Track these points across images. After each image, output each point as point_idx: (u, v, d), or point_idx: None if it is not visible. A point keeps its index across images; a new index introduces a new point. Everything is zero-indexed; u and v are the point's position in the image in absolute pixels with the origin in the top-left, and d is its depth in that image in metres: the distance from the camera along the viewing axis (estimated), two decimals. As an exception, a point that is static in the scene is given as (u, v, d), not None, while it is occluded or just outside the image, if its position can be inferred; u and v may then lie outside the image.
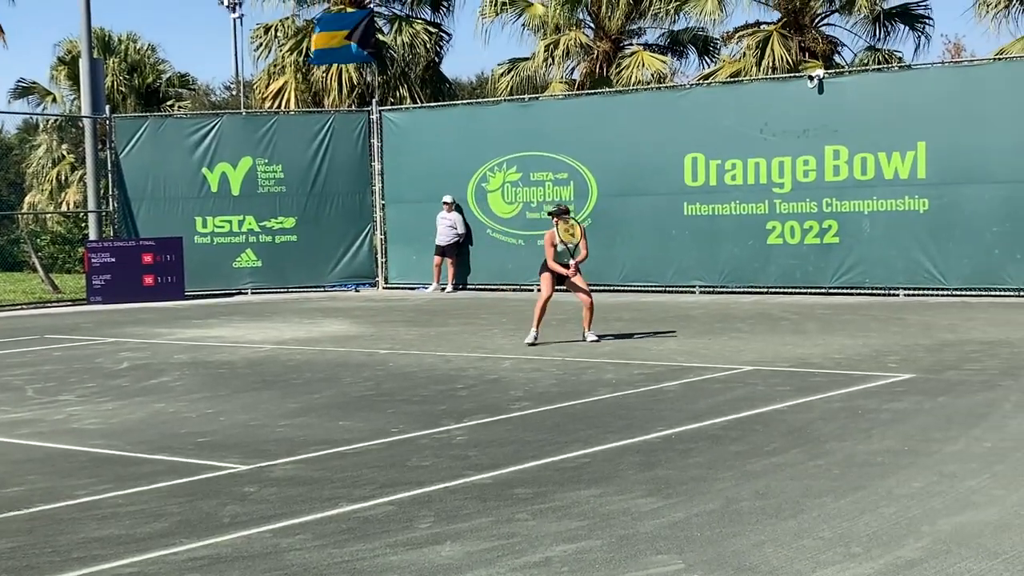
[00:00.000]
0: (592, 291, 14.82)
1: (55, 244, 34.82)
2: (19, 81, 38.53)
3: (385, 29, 31.06)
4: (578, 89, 28.81)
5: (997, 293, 18.60)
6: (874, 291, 19.58)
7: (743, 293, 20.55)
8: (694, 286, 21.11)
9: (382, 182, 24.21)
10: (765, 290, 20.46)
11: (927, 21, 28.30)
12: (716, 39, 30.35)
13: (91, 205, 24.34)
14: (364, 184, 24.39)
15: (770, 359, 12.32)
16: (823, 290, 19.96)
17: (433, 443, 8.45)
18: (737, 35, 29.15)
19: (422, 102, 29.79)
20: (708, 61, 30.61)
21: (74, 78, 33.24)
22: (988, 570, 5.31)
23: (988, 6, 25.84)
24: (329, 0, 31.38)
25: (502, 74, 30.88)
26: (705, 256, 21.02)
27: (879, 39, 28.17)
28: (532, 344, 13.98)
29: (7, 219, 37.32)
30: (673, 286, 21.32)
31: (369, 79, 30.45)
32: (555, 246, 14.40)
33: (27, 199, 38.09)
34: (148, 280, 22.58)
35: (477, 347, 14.16)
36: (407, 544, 5.91)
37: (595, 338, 14.27)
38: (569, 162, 22.31)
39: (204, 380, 12.04)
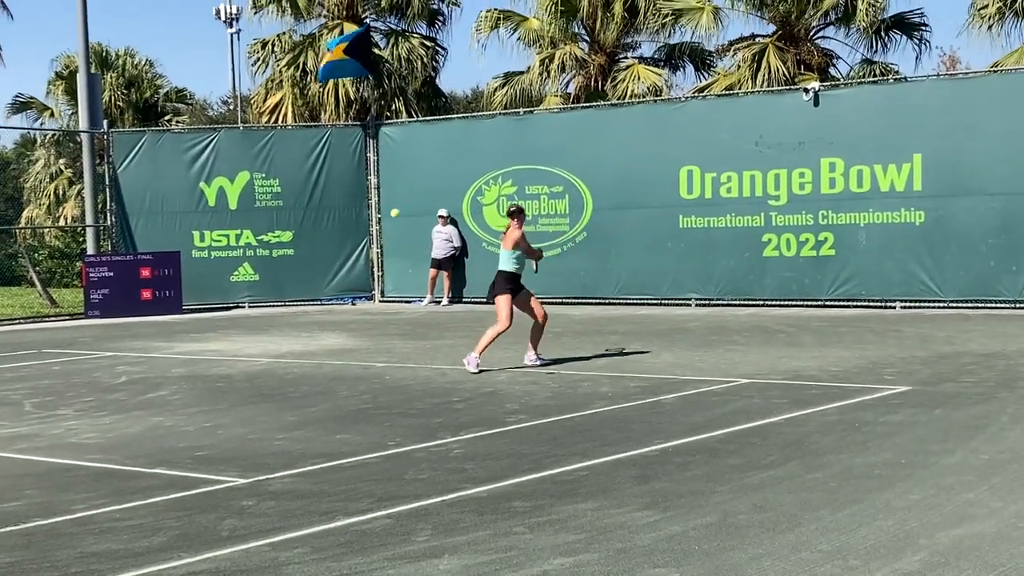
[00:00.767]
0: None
1: (53, 258, 34.83)
2: (17, 96, 38.53)
3: (381, 44, 31.10)
4: (573, 102, 28.86)
5: (993, 305, 18.63)
6: (870, 303, 19.61)
7: (739, 306, 20.58)
8: (690, 299, 21.13)
9: (378, 196, 24.25)
10: (761, 303, 20.49)
11: (924, 29, 28.32)
12: (711, 52, 30.40)
13: (89, 219, 24.36)
14: (360, 198, 24.44)
15: (766, 372, 12.33)
16: (819, 302, 19.99)
17: (430, 456, 8.45)
18: (732, 48, 29.19)
19: (418, 116, 29.83)
20: (703, 74, 30.66)
21: (72, 93, 33.25)
22: (985, 582, 5.33)
23: (983, 19, 25.89)
24: (326, 15, 31.42)
25: (497, 88, 30.92)
26: (701, 269, 21.05)
27: (875, 51, 28.22)
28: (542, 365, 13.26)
29: (5, 233, 37.35)
30: (669, 299, 21.34)
31: (365, 94, 30.49)
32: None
33: (25, 213, 38.09)
34: (146, 294, 22.59)
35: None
36: (405, 557, 5.91)
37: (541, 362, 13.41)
38: (564, 175, 22.35)
39: (202, 394, 12.04)
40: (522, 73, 30.66)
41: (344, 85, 29.91)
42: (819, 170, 19.97)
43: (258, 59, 31.99)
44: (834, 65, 29.10)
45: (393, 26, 31.71)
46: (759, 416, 9.65)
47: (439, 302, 23.32)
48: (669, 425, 9.40)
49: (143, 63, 39.04)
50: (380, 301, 24.34)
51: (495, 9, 30.52)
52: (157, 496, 7.43)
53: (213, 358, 15.29)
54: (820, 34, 28.83)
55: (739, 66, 28.09)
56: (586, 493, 7.16)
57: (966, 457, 7.90)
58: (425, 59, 31.06)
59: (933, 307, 19.04)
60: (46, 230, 36.68)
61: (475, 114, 27.40)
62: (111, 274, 22.49)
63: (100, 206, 24.42)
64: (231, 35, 50.79)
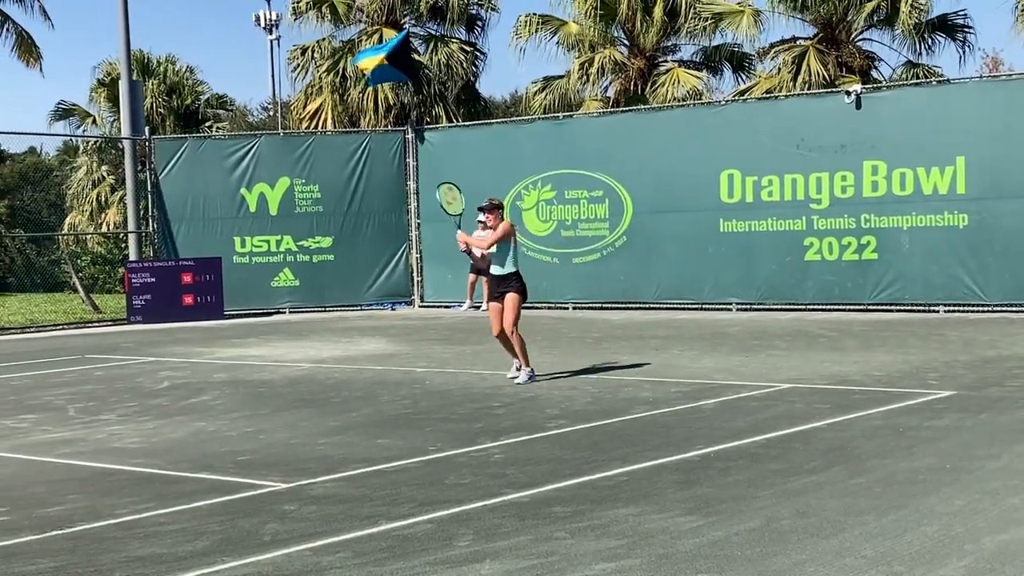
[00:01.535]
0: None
1: (95, 264, 35.11)
2: (59, 103, 38.92)
3: (421, 49, 31.19)
4: (613, 106, 28.82)
5: (1038, 309, 18.43)
6: (913, 307, 19.45)
7: (780, 310, 20.46)
8: (731, 303, 21.04)
9: (417, 201, 24.30)
10: (803, 307, 20.36)
11: (967, 31, 28.07)
12: (751, 55, 30.27)
13: (131, 226, 24.56)
14: (400, 203, 24.52)
15: (809, 376, 12.25)
16: (862, 306, 19.84)
17: (471, 461, 8.45)
18: (773, 51, 29.07)
19: (457, 121, 29.88)
20: (743, 77, 30.54)
21: (114, 100, 33.58)
22: (1033, 589, 5.26)
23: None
24: (366, 21, 31.55)
25: (536, 92, 30.94)
26: (742, 273, 20.95)
27: (918, 53, 28.00)
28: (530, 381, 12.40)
29: (48, 240, 37.72)
30: (709, 303, 21.26)
31: (405, 99, 30.58)
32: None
33: (67, 220, 38.40)
34: (187, 300, 22.75)
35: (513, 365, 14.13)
36: (446, 562, 5.91)
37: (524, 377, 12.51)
38: (604, 180, 22.31)
39: (244, 399, 12.10)
40: (561, 77, 30.66)
41: (384, 91, 30.03)
42: (861, 173, 19.82)
43: (298, 65, 32.18)
44: (876, 67, 28.93)
45: (432, 31, 31.81)
46: (801, 421, 9.58)
47: (479, 307, 23.32)
48: (710, 430, 9.36)
49: (184, 70, 39.32)
50: (420, 306, 24.39)
51: (534, 13, 30.57)
52: (200, 500, 7.47)
53: (255, 363, 15.37)
54: (862, 36, 28.65)
55: (780, 69, 27.97)
56: (627, 498, 7.13)
57: (1012, 461, 7.81)
58: (464, 64, 31.13)
59: (977, 311, 18.85)
60: (89, 236, 37.00)
61: (514, 119, 27.42)
62: (153, 280, 22.66)
63: (142, 212, 24.62)
64: (271, 41, 51.05)
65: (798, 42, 28.48)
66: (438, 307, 24.12)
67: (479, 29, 32.24)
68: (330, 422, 10.44)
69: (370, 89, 29.59)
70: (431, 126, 26.82)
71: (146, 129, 24.99)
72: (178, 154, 24.07)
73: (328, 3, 30.98)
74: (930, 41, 27.84)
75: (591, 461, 8.29)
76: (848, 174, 19.94)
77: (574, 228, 22.60)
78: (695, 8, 28.52)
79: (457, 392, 11.99)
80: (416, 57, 29.44)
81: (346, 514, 6.98)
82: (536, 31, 30.41)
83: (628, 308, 21.89)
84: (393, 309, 24.12)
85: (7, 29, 41.01)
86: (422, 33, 31.83)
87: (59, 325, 23.25)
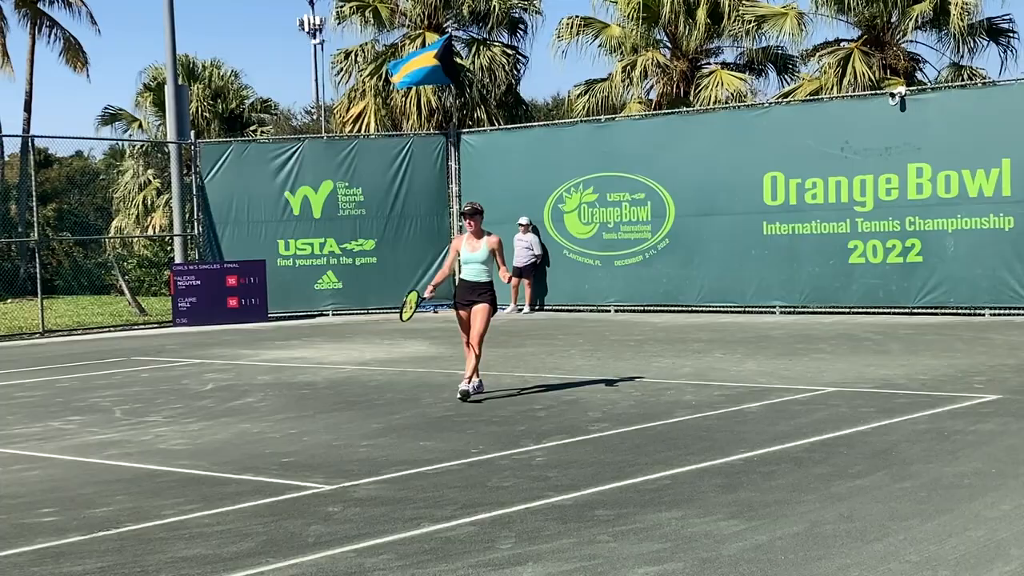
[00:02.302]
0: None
1: (141, 267, 35.41)
2: (106, 108, 39.30)
3: (463, 53, 31.25)
4: (655, 109, 28.76)
5: (1086, 312, 18.22)
6: (959, 311, 19.28)
7: (824, 313, 20.35)
8: (774, 306, 20.94)
9: (460, 204, 24.36)
10: (847, 310, 20.24)
11: (1012, 35, 27.86)
12: (795, 57, 30.11)
13: (176, 229, 24.76)
14: (442, 206, 24.59)
15: (853, 380, 12.18)
16: (906, 310, 19.70)
17: (513, 464, 8.47)
18: (817, 53, 28.91)
19: (499, 124, 29.92)
20: (787, 79, 30.38)
21: (160, 104, 33.85)
22: (1080, 595, 5.21)
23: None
24: (408, 25, 31.66)
25: (579, 95, 30.91)
26: (785, 276, 20.85)
27: (962, 55, 27.77)
28: (464, 399, 11.49)
29: (95, 243, 38.10)
30: (753, 306, 21.17)
31: (447, 103, 30.66)
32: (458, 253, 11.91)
33: (114, 223, 38.78)
34: (232, 302, 22.91)
35: (555, 368, 14.16)
36: (489, 565, 5.93)
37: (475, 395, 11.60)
38: (646, 182, 22.27)
39: (288, 401, 12.18)
40: (603, 80, 30.61)
41: (426, 94, 30.11)
42: (906, 175, 19.68)
43: (341, 69, 32.32)
44: (920, 69, 28.70)
45: (475, 35, 31.86)
46: (846, 425, 9.53)
47: (521, 310, 23.36)
48: (754, 434, 9.32)
49: (229, 74, 39.61)
50: (462, 309, 24.40)
51: (576, 16, 30.54)
52: (244, 502, 7.53)
53: (298, 365, 15.46)
54: (906, 38, 28.43)
55: (824, 71, 27.80)
56: (670, 502, 7.12)
57: (1060, 467, 7.74)
58: (506, 67, 31.15)
59: (1023, 314, 18.69)
60: (135, 239, 37.37)
61: (556, 122, 27.43)
62: (198, 283, 22.84)
63: (187, 215, 24.82)
64: (315, 46, 51.37)
65: (842, 44, 28.30)
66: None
67: (521, 32, 32.26)
68: (373, 424, 10.49)
69: (413, 93, 29.68)
70: (473, 129, 26.87)
71: (191, 133, 25.20)
72: (223, 158, 24.25)
73: (371, 8, 31.10)
74: (973, 44, 27.62)
75: (633, 464, 8.29)
76: (893, 176, 19.80)
77: (616, 231, 22.57)
78: (738, 10, 28.41)
79: (499, 394, 12.00)
80: (458, 61, 29.50)
81: (389, 516, 7.01)
82: (578, 34, 30.38)
83: (670, 311, 21.83)
84: (435, 312, 24.16)
85: (55, 34, 41.54)
86: (464, 37, 31.88)
87: (105, 327, 23.48)
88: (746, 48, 30.27)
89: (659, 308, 21.99)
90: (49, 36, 41.49)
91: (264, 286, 23.10)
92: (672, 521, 6.65)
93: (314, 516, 7.09)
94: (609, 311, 22.56)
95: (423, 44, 29.10)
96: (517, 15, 31.88)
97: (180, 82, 26.60)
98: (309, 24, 51.01)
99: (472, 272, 11.64)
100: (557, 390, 12.21)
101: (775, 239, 20.93)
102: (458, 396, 11.57)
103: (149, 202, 37.56)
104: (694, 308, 21.65)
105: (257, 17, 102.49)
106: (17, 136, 39.11)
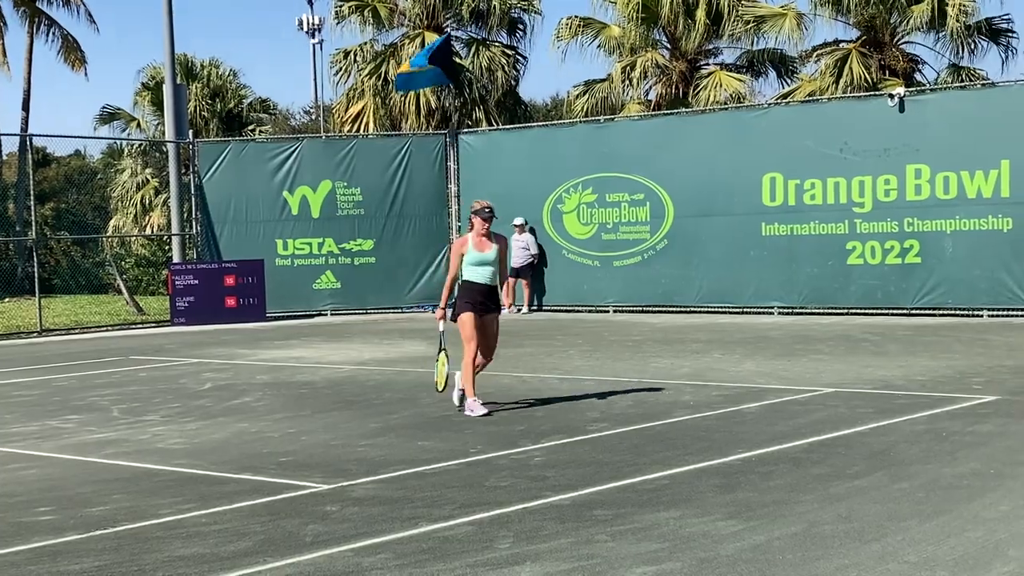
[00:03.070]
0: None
1: (139, 267, 35.39)
2: (104, 107, 39.32)
3: (462, 53, 31.25)
4: (654, 110, 28.76)
5: (1085, 313, 18.22)
6: (957, 312, 19.29)
7: (823, 314, 20.35)
8: (773, 307, 20.94)
9: (458, 204, 24.35)
10: (845, 311, 20.25)
11: (1011, 35, 27.88)
12: (794, 58, 30.13)
13: (175, 228, 24.75)
14: (441, 206, 24.58)
15: (851, 381, 12.18)
16: (905, 311, 19.70)
17: (511, 464, 8.46)
18: (816, 54, 28.93)
19: (498, 124, 29.92)
20: (786, 80, 30.40)
21: (158, 103, 33.84)
22: (1079, 596, 5.21)
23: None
24: (408, 25, 31.66)
25: (578, 96, 30.93)
26: (784, 276, 20.85)
27: (961, 56, 27.79)
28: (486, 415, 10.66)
29: (92, 242, 38.08)
30: (751, 307, 21.17)
31: (446, 103, 30.66)
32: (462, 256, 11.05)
33: (112, 222, 38.73)
34: (230, 302, 22.90)
35: (553, 368, 14.16)
36: (487, 564, 5.92)
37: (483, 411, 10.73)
38: (645, 183, 22.26)
39: (286, 400, 12.17)
40: (602, 81, 30.62)
41: (425, 94, 30.11)
42: (904, 177, 19.68)
43: (340, 69, 32.33)
44: (919, 70, 28.72)
45: (474, 35, 31.87)
46: (844, 426, 9.52)
47: (520, 310, 23.35)
48: (752, 434, 9.32)
49: (227, 73, 39.60)
50: (460, 309, 24.38)
51: (575, 16, 30.55)
52: (242, 501, 7.52)
53: (296, 365, 15.45)
54: (905, 39, 28.45)
55: (822, 72, 27.82)
56: (668, 502, 7.12)
57: (1058, 468, 7.73)
58: (506, 68, 31.17)
59: (1021, 315, 18.67)
60: (133, 239, 37.34)
61: (555, 122, 27.42)
62: (196, 282, 22.83)
63: (185, 215, 24.81)
64: (313, 45, 51.30)
65: (840, 45, 28.32)
66: (479, 310, 24.10)
67: (521, 32, 32.27)
68: (371, 424, 10.48)
69: (412, 93, 29.67)
70: (472, 129, 26.87)
71: (190, 132, 25.18)
72: (221, 157, 24.24)
73: (370, 7, 31.11)
74: (973, 44, 27.64)
75: (632, 464, 8.28)
76: (891, 177, 19.80)
77: (615, 231, 22.56)
78: (737, 11, 28.42)
79: (497, 394, 11.99)
80: (457, 60, 29.49)
81: (387, 515, 7.01)
82: (577, 34, 30.41)
83: (669, 311, 21.83)
84: (434, 312, 24.15)
85: (54, 33, 41.47)
86: (464, 37, 31.90)
87: (103, 327, 23.47)
88: (745, 49, 30.32)
89: (658, 309, 21.98)
90: (47, 35, 41.42)
91: (262, 286, 23.08)
92: (670, 521, 6.64)
93: (312, 515, 7.08)
94: (608, 311, 22.55)
95: (422, 44, 29.10)
96: (516, 15, 31.90)
97: (178, 81, 26.59)
98: (308, 24, 50.96)
99: (484, 274, 11.02)
100: (555, 390, 12.20)
101: (774, 240, 20.93)
102: (456, 405, 11.02)
103: (147, 201, 37.53)
104: (693, 309, 21.64)
105: (256, 16, 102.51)
106: (15, 135, 39.06)
